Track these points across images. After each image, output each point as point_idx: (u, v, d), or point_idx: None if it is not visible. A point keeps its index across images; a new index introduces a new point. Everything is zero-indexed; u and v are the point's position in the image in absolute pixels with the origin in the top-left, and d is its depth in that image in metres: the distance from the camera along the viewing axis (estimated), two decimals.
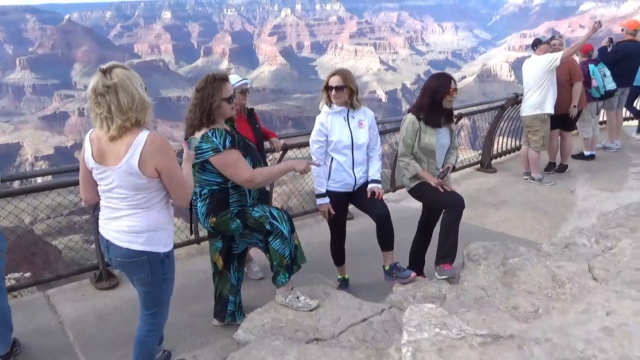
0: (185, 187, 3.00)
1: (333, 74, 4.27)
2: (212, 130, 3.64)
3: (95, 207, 3.70)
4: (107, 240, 3.01)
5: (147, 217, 2.94)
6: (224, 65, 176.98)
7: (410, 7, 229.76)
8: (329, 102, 4.28)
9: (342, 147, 4.33)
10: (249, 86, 4.62)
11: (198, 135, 3.65)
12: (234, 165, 3.65)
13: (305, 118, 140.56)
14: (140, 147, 2.83)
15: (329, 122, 4.32)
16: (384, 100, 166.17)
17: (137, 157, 2.84)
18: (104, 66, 2.88)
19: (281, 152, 5.61)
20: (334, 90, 4.24)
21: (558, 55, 6.75)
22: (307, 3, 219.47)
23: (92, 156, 2.92)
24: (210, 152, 3.63)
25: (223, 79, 3.70)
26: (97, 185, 3.01)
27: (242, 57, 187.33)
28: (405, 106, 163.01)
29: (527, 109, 7.11)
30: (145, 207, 2.94)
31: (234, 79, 4.46)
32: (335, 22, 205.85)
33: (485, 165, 8.41)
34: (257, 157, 3.82)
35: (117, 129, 2.84)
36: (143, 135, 2.86)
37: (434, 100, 4.32)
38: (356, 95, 4.29)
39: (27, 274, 9.27)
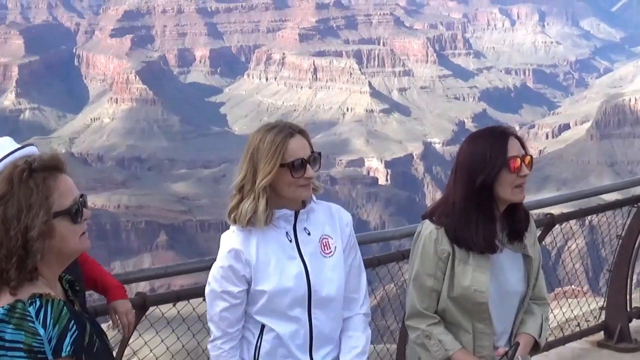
0: None
1: (289, 133, 4.17)
2: (34, 302, 3.32)
3: None
4: None
5: None
6: (8, 102, 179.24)
7: None
8: (266, 210, 4.16)
9: (287, 302, 4.23)
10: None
11: None
12: None
13: (197, 225, 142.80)
14: None
15: (254, 248, 4.21)
16: (382, 181, 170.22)
17: None
18: None
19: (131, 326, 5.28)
20: (306, 168, 4.15)
21: None
22: None
23: None
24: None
25: (55, 167, 3.41)
26: None
27: (49, 82, 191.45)
28: (433, 195, 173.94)
29: None
30: None
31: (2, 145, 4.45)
32: (264, 5, 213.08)
33: (615, 333, 8.29)
34: None
35: None
36: None
37: (477, 189, 4.30)
38: None
39: None
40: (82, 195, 3.45)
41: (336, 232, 4.34)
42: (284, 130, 4.13)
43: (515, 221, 4.39)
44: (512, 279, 4.40)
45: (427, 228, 4.38)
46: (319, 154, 4.21)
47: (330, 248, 4.29)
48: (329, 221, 4.35)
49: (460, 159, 4.38)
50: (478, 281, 4.28)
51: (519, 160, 4.22)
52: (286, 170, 4.06)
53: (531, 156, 4.31)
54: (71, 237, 3.40)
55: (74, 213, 3.37)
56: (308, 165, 4.11)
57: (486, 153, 4.24)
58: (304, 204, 4.25)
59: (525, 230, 4.42)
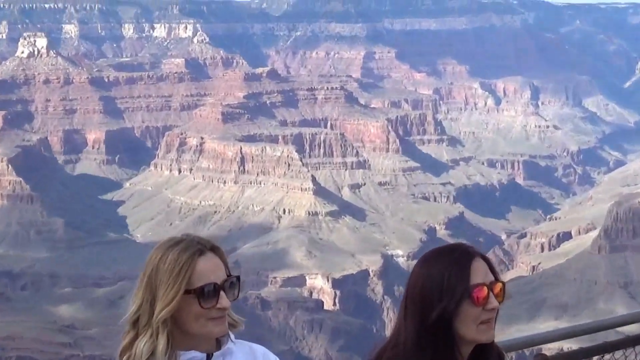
0: None
1: (198, 251, 4.41)
2: None
3: None
4: None
5: None
6: None
7: (404, 37, 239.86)
8: (167, 351, 4.32)
9: None
10: None
11: None
12: None
13: None
14: None
15: None
16: (328, 305, 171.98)
17: None
18: None
19: None
20: (219, 296, 4.40)
21: None
22: (99, 18, 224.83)
23: None
24: None
25: None
26: None
27: None
28: (390, 320, 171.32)
29: None
30: None
31: None
32: (178, 75, 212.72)
33: None
34: None
35: None
36: None
37: (431, 325, 4.47)
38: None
39: None
40: None
41: None
42: (191, 246, 4.20)
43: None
44: None
45: None
46: (237, 277, 4.26)
47: None
48: (249, 355, 4.38)
49: (410, 287, 4.47)
50: None
51: (485, 289, 4.27)
52: (193, 299, 4.12)
53: (503, 283, 4.34)
54: None
55: None
56: (222, 292, 4.19)
57: (443, 279, 4.29)
58: (218, 343, 4.25)
59: None
